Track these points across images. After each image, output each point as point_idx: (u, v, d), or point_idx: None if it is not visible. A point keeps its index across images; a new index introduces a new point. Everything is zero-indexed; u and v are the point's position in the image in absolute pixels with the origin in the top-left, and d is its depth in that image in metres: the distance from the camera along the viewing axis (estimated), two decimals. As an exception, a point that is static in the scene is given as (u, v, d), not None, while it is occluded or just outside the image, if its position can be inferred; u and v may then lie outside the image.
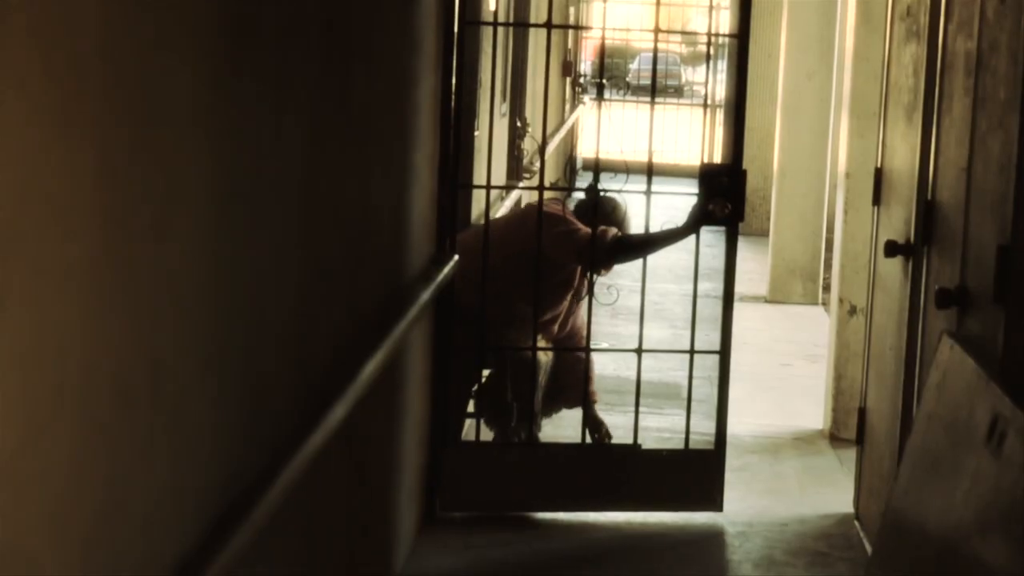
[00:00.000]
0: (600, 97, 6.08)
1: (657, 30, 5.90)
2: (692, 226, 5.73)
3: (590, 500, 5.78)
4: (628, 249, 5.85)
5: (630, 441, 5.85)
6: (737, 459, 6.67)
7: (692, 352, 5.86)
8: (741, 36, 5.63)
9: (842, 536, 5.69)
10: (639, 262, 5.88)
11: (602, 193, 5.87)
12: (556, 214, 5.82)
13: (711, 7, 5.82)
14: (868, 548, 5.39)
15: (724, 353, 5.79)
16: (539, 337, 5.84)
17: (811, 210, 10.95)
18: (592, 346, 6.03)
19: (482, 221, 6.01)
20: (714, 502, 5.79)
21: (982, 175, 4.05)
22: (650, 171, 5.71)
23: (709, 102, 6.29)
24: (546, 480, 5.75)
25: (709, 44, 6.07)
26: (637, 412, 5.83)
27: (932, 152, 4.74)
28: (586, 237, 5.75)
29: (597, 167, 5.83)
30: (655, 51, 5.87)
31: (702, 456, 5.82)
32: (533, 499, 5.78)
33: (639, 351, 5.83)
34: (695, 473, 5.79)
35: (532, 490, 5.76)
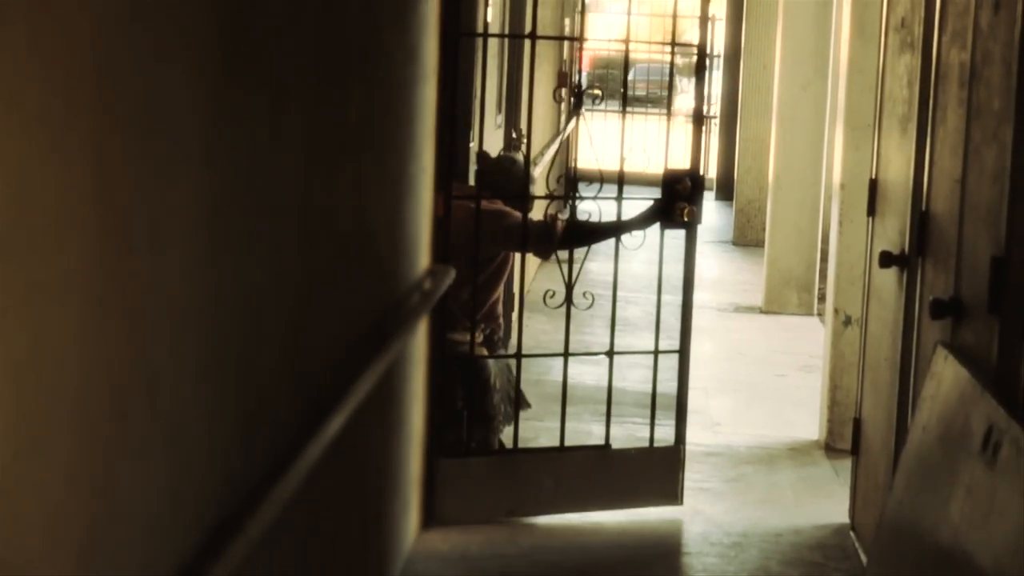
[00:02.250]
0: (579, 109, 6.24)
1: (628, 40, 6.12)
2: (643, 221, 5.94)
3: (568, 501, 5.93)
4: (578, 236, 5.93)
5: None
6: (732, 469, 6.67)
7: (656, 352, 6.04)
8: (700, 47, 5.99)
9: (837, 547, 5.69)
10: (611, 267, 5.95)
11: (501, 153, 6.10)
12: (501, 209, 5.87)
13: (674, 16, 5.99)
14: (863, 558, 5.39)
15: (683, 352, 6.04)
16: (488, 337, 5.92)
17: (806, 221, 10.95)
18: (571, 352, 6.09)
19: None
20: (675, 497, 6.01)
21: (976, 186, 4.05)
22: (621, 179, 5.88)
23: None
24: (527, 485, 5.88)
25: (673, 54, 6.42)
26: (608, 413, 5.95)
27: (926, 163, 4.75)
28: (537, 226, 5.83)
29: (575, 176, 5.99)
30: (626, 60, 6.10)
31: (664, 453, 6.01)
32: (516, 505, 5.89)
33: (611, 353, 5.98)
34: (658, 470, 6.00)
35: (515, 496, 5.88)
